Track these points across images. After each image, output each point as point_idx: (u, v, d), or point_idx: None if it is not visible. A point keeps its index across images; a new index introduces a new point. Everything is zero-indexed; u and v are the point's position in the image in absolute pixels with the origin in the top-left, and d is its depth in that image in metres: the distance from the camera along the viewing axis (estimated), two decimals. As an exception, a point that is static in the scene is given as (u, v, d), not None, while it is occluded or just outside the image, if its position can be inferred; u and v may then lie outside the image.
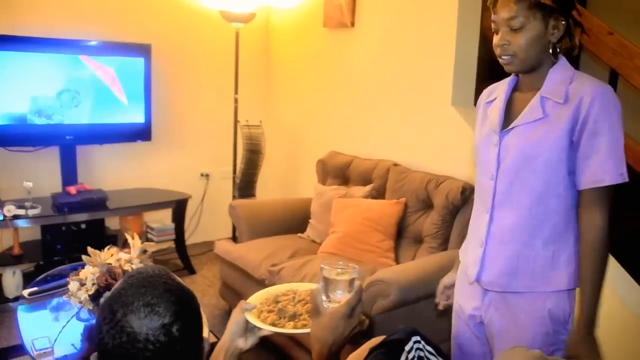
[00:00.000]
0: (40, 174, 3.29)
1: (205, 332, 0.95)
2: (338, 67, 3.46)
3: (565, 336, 1.31)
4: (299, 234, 3.00)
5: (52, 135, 3.17)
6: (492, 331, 1.40)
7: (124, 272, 1.82)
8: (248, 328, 1.15)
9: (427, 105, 2.87)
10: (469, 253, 1.45)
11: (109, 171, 3.60)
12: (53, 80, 3.11)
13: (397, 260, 2.56)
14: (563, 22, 1.26)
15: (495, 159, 1.34)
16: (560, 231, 1.30)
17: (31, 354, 1.75)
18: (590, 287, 1.25)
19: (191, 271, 3.57)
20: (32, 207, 2.92)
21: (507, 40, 1.27)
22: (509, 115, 1.36)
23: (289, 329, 1.12)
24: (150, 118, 3.46)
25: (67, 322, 1.83)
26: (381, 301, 2.03)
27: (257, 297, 1.22)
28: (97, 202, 3.16)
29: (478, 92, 2.74)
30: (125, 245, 2.02)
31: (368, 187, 2.86)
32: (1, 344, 2.60)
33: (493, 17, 1.29)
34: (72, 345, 1.78)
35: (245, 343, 1.14)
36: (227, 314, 2.94)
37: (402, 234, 2.64)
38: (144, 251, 1.94)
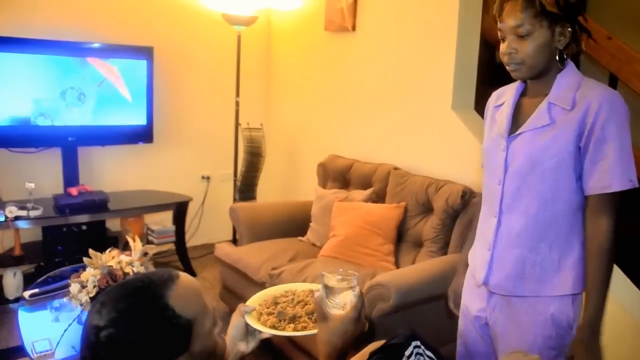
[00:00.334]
0: (42, 175, 3.30)
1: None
2: (339, 71, 3.47)
3: (569, 341, 1.31)
4: (299, 237, 3.00)
5: (55, 136, 3.18)
6: (496, 332, 1.42)
7: (125, 274, 1.83)
8: (249, 331, 1.15)
9: (428, 109, 2.88)
10: (477, 256, 1.46)
11: (111, 173, 3.61)
12: (57, 81, 3.12)
13: (397, 264, 2.57)
14: (569, 29, 1.26)
15: (503, 163, 1.35)
16: (566, 235, 1.31)
17: (31, 356, 1.75)
18: (595, 292, 1.25)
19: (191, 273, 3.55)
20: (34, 208, 2.93)
21: (514, 48, 1.27)
22: (516, 120, 1.37)
23: (289, 332, 1.12)
24: (152, 120, 3.48)
25: (69, 325, 1.84)
26: (381, 305, 2.03)
27: (256, 299, 1.23)
28: (98, 203, 3.16)
29: (478, 97, 2.76)
30: (126, 247, 2.03)
31: (368, 191, 2.86)
32: (1, 346, 2.60)
33: (499, 25, 1.29)
34: (73, 347, 1.78)
35: (246, 346, 1.15)
36: (228, 316, 2.94)
37: (402, 238, 2.64)
38: (145, 254, 1.95)
